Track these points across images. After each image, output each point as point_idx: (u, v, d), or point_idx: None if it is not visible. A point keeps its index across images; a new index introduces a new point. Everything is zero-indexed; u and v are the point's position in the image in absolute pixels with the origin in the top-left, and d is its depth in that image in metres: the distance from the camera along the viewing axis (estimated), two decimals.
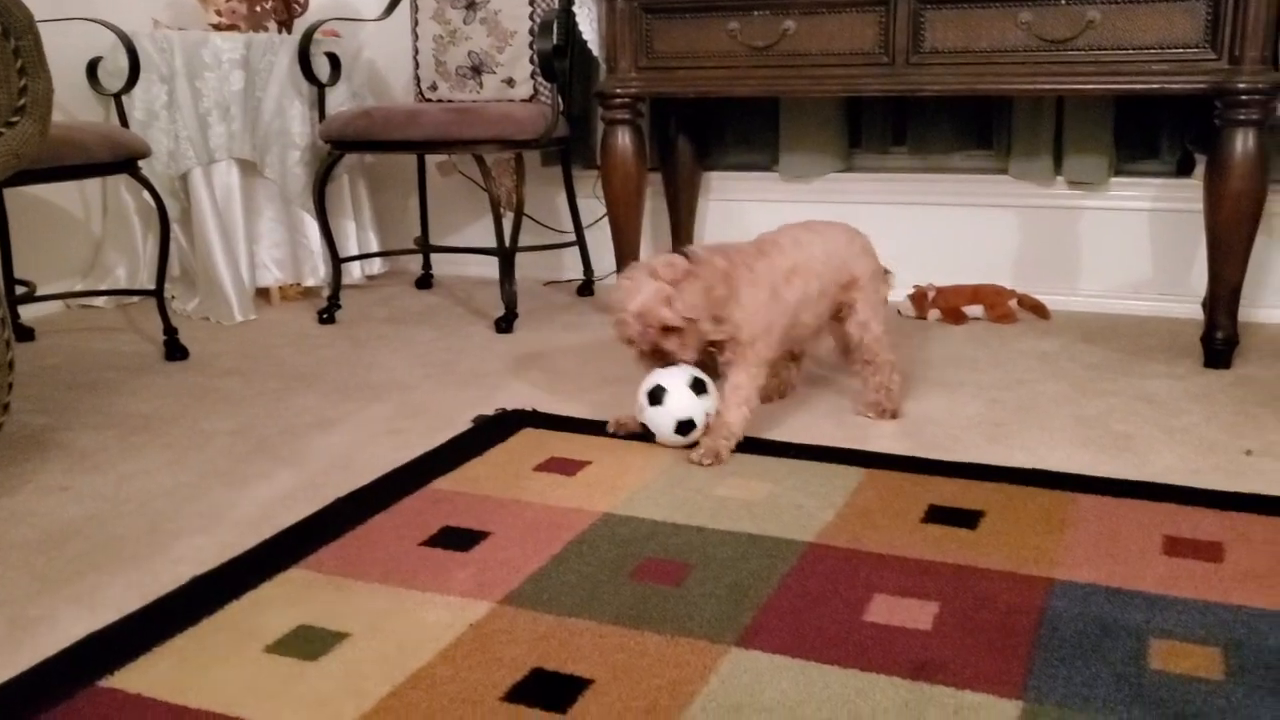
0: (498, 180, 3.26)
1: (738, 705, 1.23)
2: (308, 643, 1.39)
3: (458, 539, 1.67)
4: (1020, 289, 3.04)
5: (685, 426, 1.99)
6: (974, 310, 2.97)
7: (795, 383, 2.38)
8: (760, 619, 1.42)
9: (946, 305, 2.96)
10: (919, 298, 2.99)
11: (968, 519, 1.70)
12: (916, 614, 1.42)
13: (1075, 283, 3.08)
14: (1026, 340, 2.77)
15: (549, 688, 1.27)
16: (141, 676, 1.32)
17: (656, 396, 1.99)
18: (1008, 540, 1.63)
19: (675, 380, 2.00)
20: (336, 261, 3.21)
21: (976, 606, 1.44)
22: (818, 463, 1.95)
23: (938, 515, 1.72)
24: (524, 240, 3.31)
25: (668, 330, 1.96)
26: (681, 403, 1.99)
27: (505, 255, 2.99)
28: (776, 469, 1.92)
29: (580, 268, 3.42)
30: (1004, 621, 1.40)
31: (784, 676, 1.29)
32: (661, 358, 2.01)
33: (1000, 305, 2.95)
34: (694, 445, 1.99)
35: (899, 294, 3.02)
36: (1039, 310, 2.98)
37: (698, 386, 2.00)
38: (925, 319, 2.97)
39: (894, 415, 2.20)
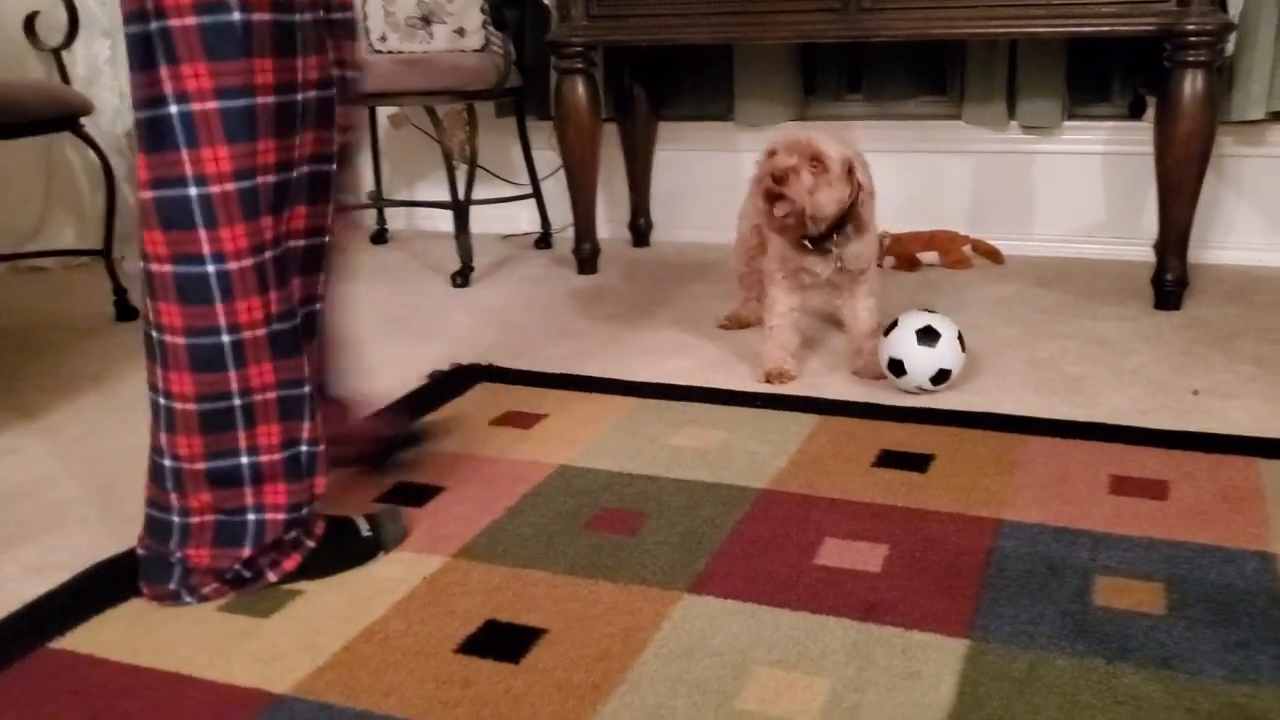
0: (450, 132, 3.23)
1: (689, 650, 1.25)
2: (260, 600, 1.38)
3: (412, 494, 1.67)
4: (975, 234, 3.05)
5: (942, 376, 1.99)
6: (928, 256, 2.98)
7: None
8: (712, 565, 1.43)
9: (901, 252, 2.97)
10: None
11: (918, 463, 1.72)
12: (866, 556, 1.44)
13: (1029, 227, 3.10)
14: (980, 285, 2.79)
15: (502, 638, 1.28)
16: (93, 637, 1.31)
17: (930, 336, 1.97)
18: (957, 483, 1.65)
19: (945, 326, 1.99)
20: None
21: (925, 548, 1.46)
22: (772, 410, 1.96)
23: (889, 460, 1.74)
24: (480, 193, 3.28)
25: (814, 162, 1.91)
26: (951, 353, 1.98)
27: (459, 208, 2.96)
28: (731, 417, 1.93)
29: (537, 220, 3.40)
30: (952, 562, 1.42)
31: (735, 620, 1.30)
32: (772, 203, 1.94)
33: (954, 251, 2.97)
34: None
35: None
36: (993, 255, 3.00)
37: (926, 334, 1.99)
38: (881, 266, 2.98)
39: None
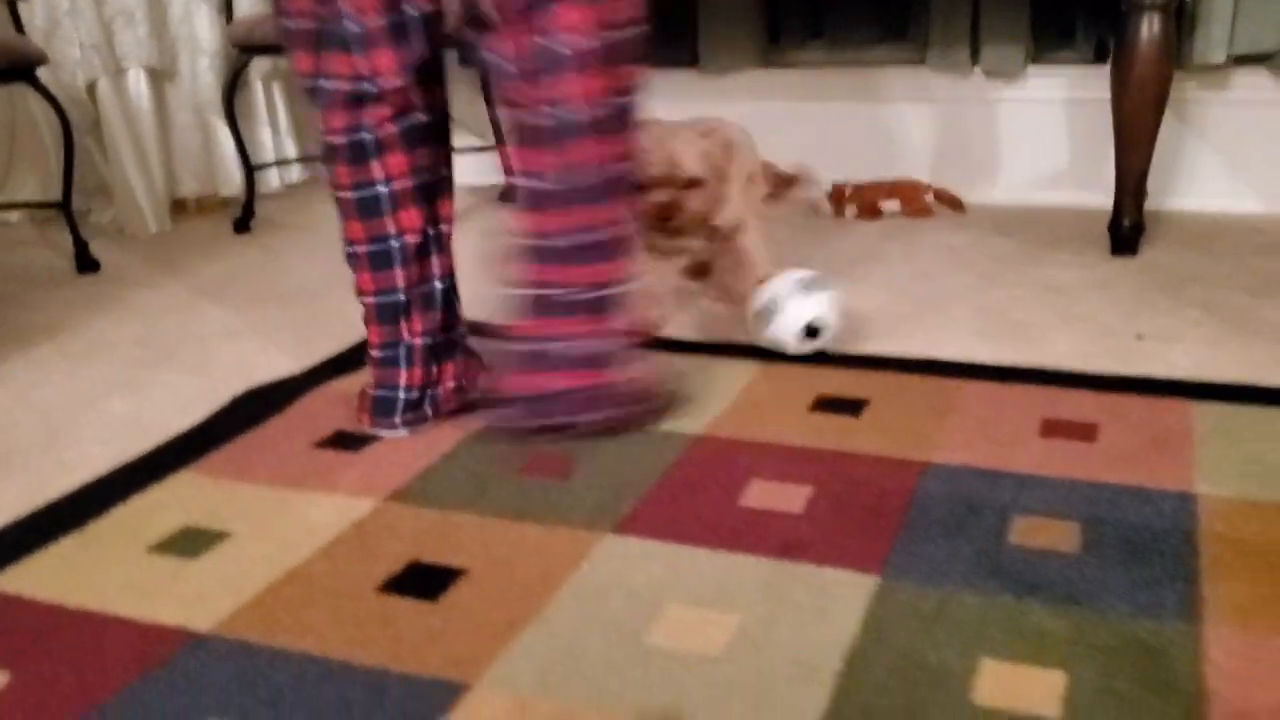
0: None
1: (605, 588, 1.27)
2: (190, 542, 1.40)
3: (350, 440, 1.68)
4: (938, 183, 3.05)
5: (811, 331, 1.91)
6: (890, 205, 2.98)
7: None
8: (639, 508, 1.45)
9: (863, 201, 2.97)
10: (837, 194, 3.00)
11: (853, 407, 1.73)
12: (790, 498, 1.46)
13: (992, 176, 3.09)
14: (939, 234, 2.79)
15: (423, 579, 1.30)
16: (22, 578, 1.33)
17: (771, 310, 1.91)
18: (889, 426, 1.66)
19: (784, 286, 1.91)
20: (249, 169, 3.16)
21: (849, 490, 1.47)
22: (716, 358, 1.97)
23: (825, 405, 1.75)
24: None
25: (690, 186, 1.92)
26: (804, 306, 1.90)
27: None
28: (676, 365, 1.94)
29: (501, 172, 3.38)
30: (874, 503, 1.44)
31: (654, 560, 1.32)
32: (663, 226, 1.96)
33: (916, 200, 2.96)
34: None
35: (817, 191, 3.03)
36: (955, 204, 3.00)
37: (809, 285, 1.91)
38: (843, 215, 2.98)
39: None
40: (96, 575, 1.34)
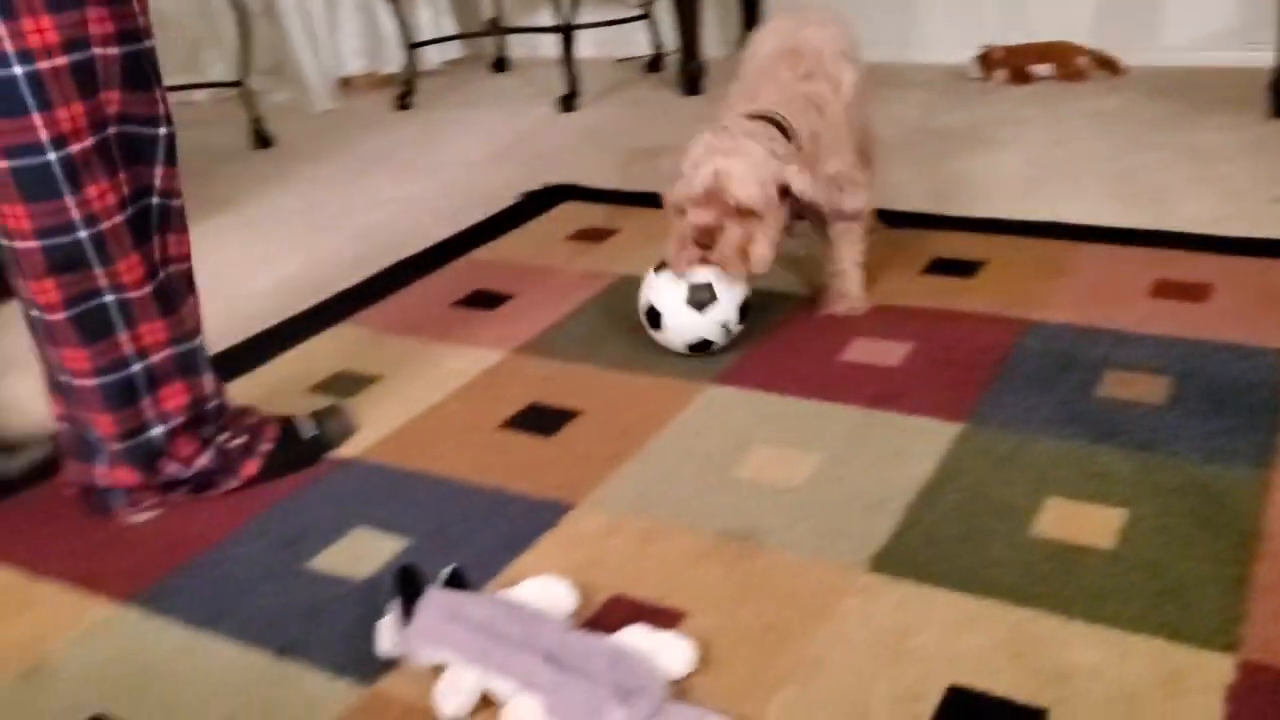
0: None
1: (702, 429, 1.39)
2: (344, 384, 1.59)
3: (486, 300, 1.83)
4: (1095, 44, 2.95)
5: (700, 347, 1.57)
6: (1042, 69, 2.91)
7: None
8: (742, 361, 1.55)
9: (1013, 65, 2.91)
10: (986, 58, 2.94)
11: (967, 269, 1.78)
12: (888, 354, 1.53)
13: (1155, 35, 2.97)
14: (1090, 98, 2.72)
15: (541, 418, 1.45)
16: None
17: (654, 319, 1.57)
18: (1000, 287, 1.70)
19: (670, 296, 1.54)
20: (410, 47, 3.31)
21: (948, 346, 1.54)
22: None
23: (939, 267, 1.80)
24: (596, 15, 3.33)
25: (741, 214, 1.48)
26: (683, 324, 1.54)
27: (564, 32, 3.04)
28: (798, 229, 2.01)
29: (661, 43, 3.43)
30: (970, 359, 1.50)
31: (750, 406, 1.43)
32: (700, 253, 1.50)
33: (1070, 63, 2.89)
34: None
35: (966, 54, 2.98)
36: (1111, 66, 2.90)
37: (699, 298, 1.52)
38: (990, 79, 2.93)
39: None
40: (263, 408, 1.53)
